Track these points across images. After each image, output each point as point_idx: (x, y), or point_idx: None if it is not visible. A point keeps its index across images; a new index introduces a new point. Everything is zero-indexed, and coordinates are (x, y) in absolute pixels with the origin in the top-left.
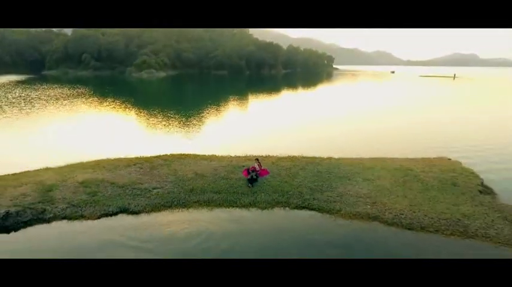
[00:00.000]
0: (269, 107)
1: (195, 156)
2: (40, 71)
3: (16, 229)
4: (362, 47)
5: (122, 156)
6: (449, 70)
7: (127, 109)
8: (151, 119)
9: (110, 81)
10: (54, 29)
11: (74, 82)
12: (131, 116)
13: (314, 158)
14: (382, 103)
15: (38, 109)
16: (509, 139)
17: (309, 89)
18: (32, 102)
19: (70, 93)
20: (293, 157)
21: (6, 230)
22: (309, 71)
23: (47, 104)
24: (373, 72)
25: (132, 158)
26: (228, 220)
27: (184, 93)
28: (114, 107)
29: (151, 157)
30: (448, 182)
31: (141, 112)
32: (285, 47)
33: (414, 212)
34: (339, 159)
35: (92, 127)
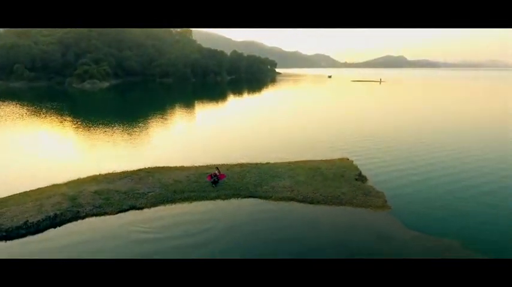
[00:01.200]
0: (216, 115)
1: (169, 168)
2: None
3: (61, 225)
4: (303, 50)
5: (109, 171)
6: (381, 72)
7: (87, 127)
8: (114, 135)
9: (51, 94)
10: None
11: (7, 95)
12: (96, 134)
13: (257, 163)
14: (311, 109)
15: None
16: (395, 141)
17: (253, 96)
18: None
19: (23, 113)
20: (242, 163)
21: (55, 225)
22: (253, 76)
23: (3, 125)
24: (313, 76)
25: (120, 172)
26: (202, 208)
27: (135, 104)
28: (75, 125)
29: (135, 170)
30: (339, 175)
31: (104, 129)
32: (228, 51)
33: (315, 193)
34: (274, 163)
35: (62, 146)
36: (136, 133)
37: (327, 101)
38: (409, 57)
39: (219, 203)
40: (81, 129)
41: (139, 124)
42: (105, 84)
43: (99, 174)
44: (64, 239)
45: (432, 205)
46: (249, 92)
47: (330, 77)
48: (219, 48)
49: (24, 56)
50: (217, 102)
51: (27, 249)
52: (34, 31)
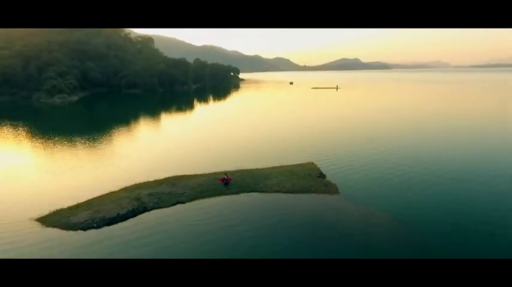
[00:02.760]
0: (195, 127)
1: (188, 175)
2: None
3: (137, 215)
4: (263, 54)
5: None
6: (339, 75)
7: (90, 145)
8: (124, 149)
9: (25, 111)
10: None
11: None
12: (105, 151)
13: (250, 169)
14: (280, 118)
15: (12, 154)
16: (345, 146)
17: (222, 106)
18: None
19: (19, 134)
20: (241, 170)
21: (134, 215)
22: (218, 84)
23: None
24: (275, 83)
25: (154, 180)
26: (223, 200)
27: (115, 117)
28: (78, 144)
29: (164, 179)
30: (307, 174)
31: (107, 145)
32: (189, 56)
33: (293, 187)
34: (262, 169)
35: (82, 165)
36: (126, 148)
37: (292, 109)
38: (364, 60)
39: (233, 196)
40: (90, 148)
41: (125, 140)
42: (74, 98)
43: (140, 183)
44: (146, 221)
45: (366, 190)
46: (216, 101)
47: (291, 83)
48: (179, 54)
49: None
50: (191, 113)
51: (125, 229)
52: None
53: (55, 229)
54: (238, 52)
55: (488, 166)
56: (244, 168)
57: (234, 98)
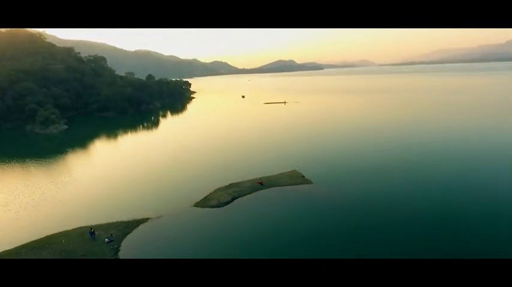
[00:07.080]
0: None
1: (239, 182)
2: None
3: (233, 200)
4: (200, 58)
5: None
6: (281, 80)
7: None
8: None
9: (26, 143)
10: None
11: None
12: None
13: (267, 176)
14: (251, 134)
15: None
16: (310, 158)
17: (191, 122)
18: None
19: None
20: (262, 177)
21: (232, 201)
22: (176, 99)
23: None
24: (226, 93)
25: (225, 186)
26: (265, 191)
27: (127, 139)
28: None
29: (230, 184)
30: (296, 176)
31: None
32: (123, 61)
33: (292, 182)
34: (273, 175)
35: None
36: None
37: (258, 125)
38: (298, 61)
39: (268, 189)
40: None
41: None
42: (64, 126)
43: (218, 187)
44: (241, 201)
45: (326, 180)
46: (184, 118)
47: (243, 97)
48: (111, 61)
49: None
50: (180, 134)
51: (235, 205)
52: None
53: (208, 208)
54: (175, 57)
55: (434, 156)
56: (260, 176)
57: (197, 115)
